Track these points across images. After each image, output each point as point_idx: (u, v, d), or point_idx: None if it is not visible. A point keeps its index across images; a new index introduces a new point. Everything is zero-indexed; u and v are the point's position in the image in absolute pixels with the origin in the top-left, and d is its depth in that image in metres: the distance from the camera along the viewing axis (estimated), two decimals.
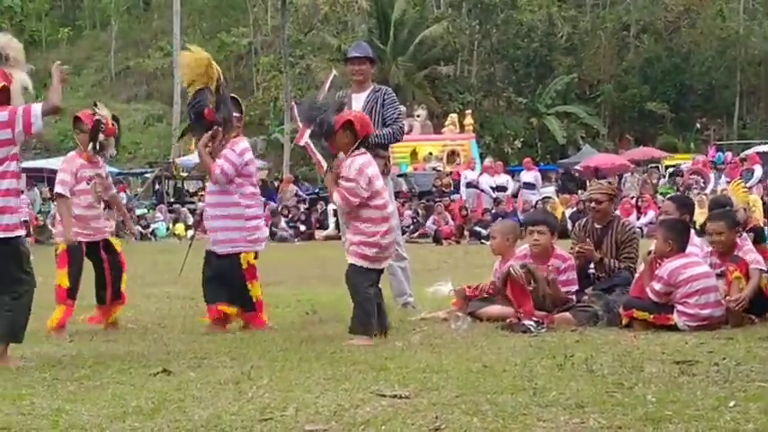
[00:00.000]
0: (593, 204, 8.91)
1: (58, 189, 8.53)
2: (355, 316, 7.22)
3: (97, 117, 8.42)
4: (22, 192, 6.89)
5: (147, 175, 40.79)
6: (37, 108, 6.48)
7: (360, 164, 7.23)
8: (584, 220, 9.20)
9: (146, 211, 34.56)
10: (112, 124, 8.54)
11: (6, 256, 6.52)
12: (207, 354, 6.75)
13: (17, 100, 6.70)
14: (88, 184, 8.52)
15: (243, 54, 60.91)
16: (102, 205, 8.83)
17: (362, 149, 7.38)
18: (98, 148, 8.49)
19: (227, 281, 8.15)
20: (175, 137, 47.85)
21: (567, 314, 7.86)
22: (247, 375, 5.80)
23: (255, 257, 8.19)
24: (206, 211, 8.42)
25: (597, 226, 8.82)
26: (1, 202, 6.48)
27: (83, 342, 7.59)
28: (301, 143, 8.89)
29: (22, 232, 6.68)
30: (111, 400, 5.19)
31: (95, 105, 8.63)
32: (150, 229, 31.87)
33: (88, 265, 8.63)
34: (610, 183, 9.86)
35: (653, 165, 35.15)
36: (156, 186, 39.57)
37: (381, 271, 7.43)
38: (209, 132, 8.13)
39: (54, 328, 8.25)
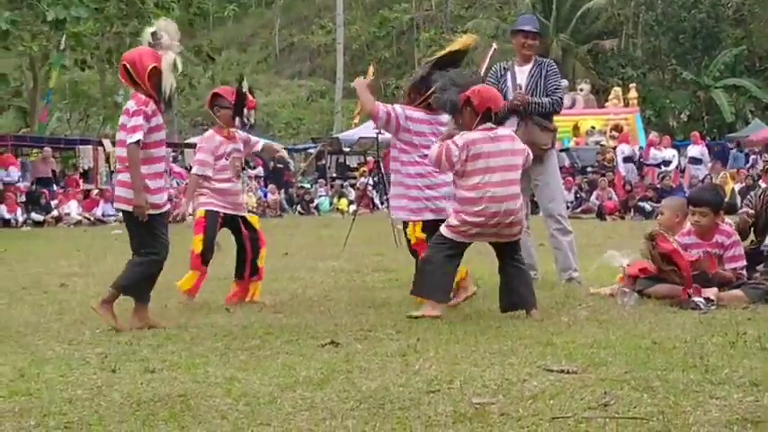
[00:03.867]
0: None
1: (196, 170, 8.72)
2: (421, 279, 7.21)
3: (243, 90, 8.55)
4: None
5: (310, 151, 41.38)
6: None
7: (470, 138, 7.18)
8: (760, 189, 8.86)
9: (309, 186, 35.11)
10: (252, 97, 8.68)
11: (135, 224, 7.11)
12: (373, 326, 6.81)
13: (168, 79, 7.03)
14: (226, 159, 8.66)
15: (404, 29, 61.07)
16: (239, 182, 8.94)
17: (488, 125, 7.30)
18: (245, 121, 8.64)
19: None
20: (338, 112, 48.48)
21: (738, 291, 7.66)
22: (413, 348, 5.84)
23: (424, 230, 8.01)
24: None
25: None
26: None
27: (252, 313, 7.74)
28: None
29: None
30: (281, 370, 5.29)
31: (241, 80, 8.75)
32: (314, 204, 32.37)
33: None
34: None
35: None
36: (319, 161, 40.11)
37: (466, 245, 7.28)
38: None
39: (186, 291, 8.48)
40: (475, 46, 8.42)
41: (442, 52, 8.32)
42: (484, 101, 7.28)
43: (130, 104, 7.02)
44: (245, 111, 8.57)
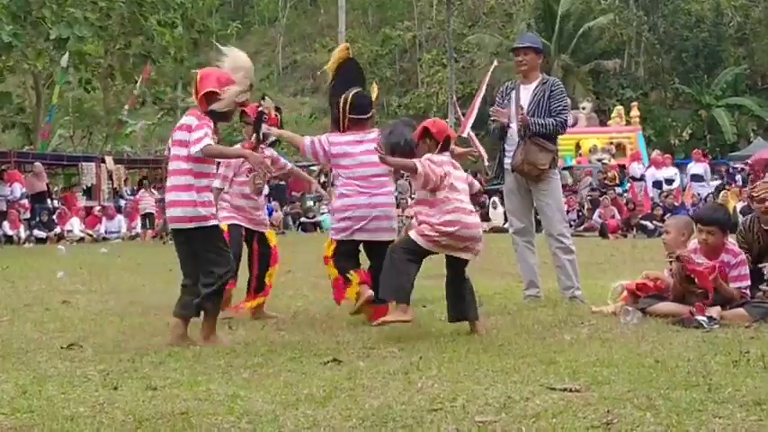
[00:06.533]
0: (766, 205, 8.40)
1: (215, 184, 8.82)
2: (387, 282, 7.16)
3: (260, 108, 8.61)
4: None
5: (312, 168, 41.35)
6: (206, 142, 6.77)
7: (440, 159, 7.28)
8: (749, 219, 8.65)
9: (312, 203, 35.15)
10: (275, 115, 8.75)
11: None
12: (375, 344, 6.81)
13: (226, 104, 7.04)
14: (248, 176, 8.73)
15: (407, 48, 61.19)
16: (262, 198, 9.00)
17: (446, 153, 7.45)
18: (262, 137, 8.70)
19: None
20: None
21: (741, 310, 7.64)
22: (416, 366, 5.83)
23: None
24: None
25: (766, 227, 8.45)
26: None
27: (254, 331, 7.74)
28: (464, 134, 8.90)
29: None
30: (283, 388, 5.27)
31: (263, 98, 8.82)
32: (318, 221, 32.44)
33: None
34: None
35: None
36: (322, 179, 40.10)
37: (429, 253, 7.27)
38: None
39: None
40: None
41: (330, 71, 8.66)
42: (441, 130, 7.46)
43: (191, 120, 6.92)
44: (264, 127, 8.66)
